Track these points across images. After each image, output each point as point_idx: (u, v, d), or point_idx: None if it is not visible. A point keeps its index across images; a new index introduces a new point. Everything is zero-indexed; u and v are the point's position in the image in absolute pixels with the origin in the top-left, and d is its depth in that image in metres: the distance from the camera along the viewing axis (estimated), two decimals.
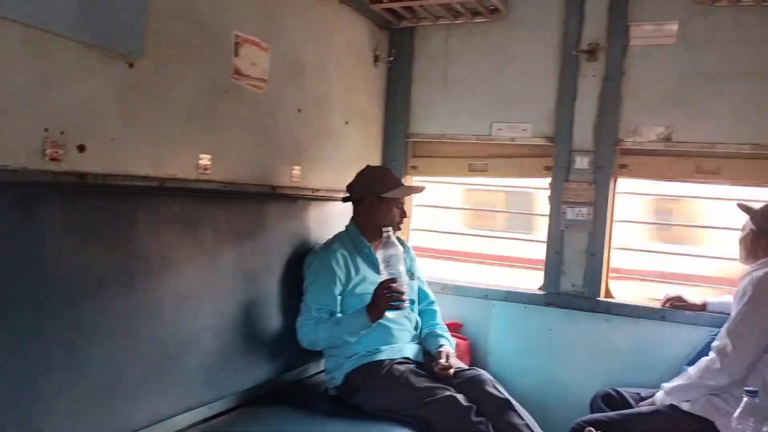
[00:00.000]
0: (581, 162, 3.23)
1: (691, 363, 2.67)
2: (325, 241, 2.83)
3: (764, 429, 1.74)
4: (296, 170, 2.85)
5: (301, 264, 2.73)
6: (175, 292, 2.15)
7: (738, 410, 1.76)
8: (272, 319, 2.67)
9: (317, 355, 2.80)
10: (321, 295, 2.63)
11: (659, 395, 2.58)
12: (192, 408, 2.28)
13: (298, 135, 2.86)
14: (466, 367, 2.76)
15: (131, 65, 1.97)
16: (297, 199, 2.85)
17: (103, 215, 1.91)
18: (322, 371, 2.92)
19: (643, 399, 2.68)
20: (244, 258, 2.48)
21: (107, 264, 1.92)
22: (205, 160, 2.28)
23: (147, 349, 2.06)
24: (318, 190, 3.00)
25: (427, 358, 2.78)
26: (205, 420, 2.36)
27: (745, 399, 1.74)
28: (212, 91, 2.31)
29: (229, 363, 2.41)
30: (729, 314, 2.56)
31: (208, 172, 2.30)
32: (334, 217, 3.00)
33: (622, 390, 2.75)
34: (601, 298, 3.21)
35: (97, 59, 1.85)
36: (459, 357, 3.19)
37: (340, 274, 2.67)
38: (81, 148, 1.82)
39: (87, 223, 1.86)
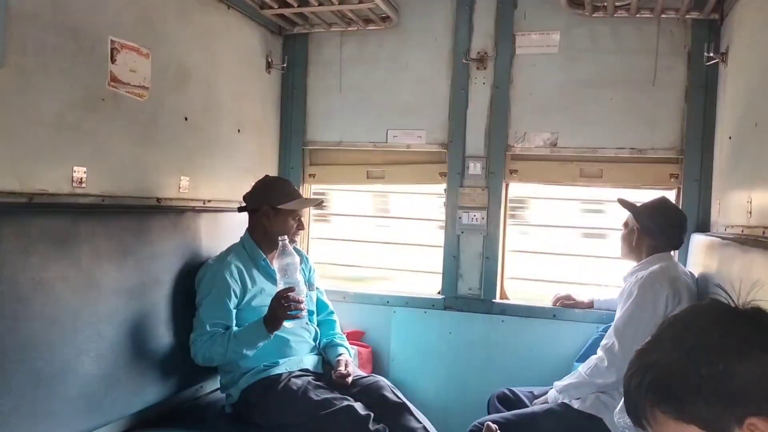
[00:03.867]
0: (474, 168, 3.30)
1: (581, 359, 2.77)
2: (218, 253, 2.73)
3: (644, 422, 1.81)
4: (185, 181, 2.74)
5: (192, 279, 2.62)
6: (48, 316, 1.99)
7: (619, 405, 1.83)
8: (162, 338, 2.54)
9: (213, 372, 2.71)
10: (215, 310, 2.53)
11: (551, 393, 2.65)
12: None
13: (186, 144, 2.76)
14: (365, 374, 2.75)
15: None
16: (185, 211, 2.74)
17: None
18: (218, 389, 2.82)
19: (537, 397, 2.75)
20: (127, 275, 2.34)
21: None
22: (80, 172, 2.16)
23: (18, 377, 1.90)
24: (209, 201, 2.90)
25: (327, 369, 2.74)
26: None
27: None
28: (86, 100, 2.18)
29: (113, 386, 2.27)
30: (614, 311, 2.68)
31: (83, 185, 2.18)
32: (228, 229, 2.90)
33: (516, 390, 2.81)
34: (497, 300, 3.30)
35: None
36: (361, 365, 3.19)
37: (235, 287, 2.58)
38: None
39: None
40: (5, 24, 1.84)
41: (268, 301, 2.48)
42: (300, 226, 2.73)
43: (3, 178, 1.89)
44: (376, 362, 3.39)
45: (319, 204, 2.92)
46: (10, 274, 1.88)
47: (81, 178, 2.16)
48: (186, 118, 2.74)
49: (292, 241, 2.68)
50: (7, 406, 1.86)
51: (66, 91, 2.10)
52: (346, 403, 2.44)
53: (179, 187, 2.72)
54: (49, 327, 2.00)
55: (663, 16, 2.98)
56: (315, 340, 2.84)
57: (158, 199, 2.59)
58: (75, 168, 2.14)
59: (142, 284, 2.43)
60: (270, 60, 3.42)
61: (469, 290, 3.33)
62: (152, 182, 2.56)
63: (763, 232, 2.09)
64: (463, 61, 3.29)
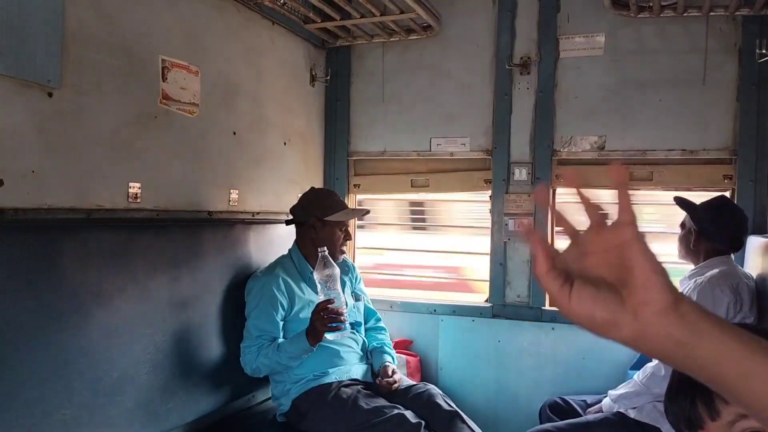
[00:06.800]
0: (520, 174, 3.27)
1: (635, 367, 2.70)
2: (267, 265, 2.77)
3: None
4: (234, 194, 2.80)
5: (242, 290, 2.67)
6: (106, 327, 2.06)
7: None
8: (214, 348, 2.60)
9: (264, 382, 2.75)
10: (262, 322, 2.57)
11: (606, 402, 2.59)
12: None
13: (235, 158, 2.81)
14: (415, 382, 2.74)
15: (50, 94, 1.91)
16: (235, 223, 2.79)
17: (26, 252, 1.84)
18: (269, 398, 2.86)
19: (590, 406, 2.70)
20: (181, 287, 2.41)
21: (32, 302, 1.84)
22: (134, 188, 2.22)
23: (79, 387, 1.97)
24: (258, 213, 2.95)
25: (375, 377, 2.75)
26: None
27: None
28: (140, 118, 2.25)
29: (169, 396, 2.33)
30: None
31: (138, 200, 2.24)
32: (276, 240, 2.96)
33: (568, 398, 2.77)
34: (546, 307, 3.24)
35: (12, 89, 1.79)
36: (410, 373, 3.18)
37: (282, 299, 2.61)
38: None
39: (9, 261, 1.78)
40: (62, 46, 1.92)
41: None
42: (347, 237, 2.76)
43: (63, 195, 1.97)
44: (424, 371, 3.37)
45: (365, 214, 2.94)
46: (70, 287, 1.96)
47: (136, 194, 2.23)
48: (234, 133, 2.79)
49: (340, 252, 2.71)
50: (68, 416, 1.93)
51: (120, 110, 2.17)
52: (397, 411, 2.44)
53: (229, 201, 2.77)
54: (108, 338, 2.07)
55: (711, 13, 2.90)
56: (363, 349, 2.85)
57: (209, 213, 2.64)
58: (130, 184, 2.21)
59: (195, 295, 2.49)
60: (314, 73, 3.47)
61: (518, 298, 3.29)
62: (203, 196, 2.62)
63: None
64: (506, 66, 3.27)
